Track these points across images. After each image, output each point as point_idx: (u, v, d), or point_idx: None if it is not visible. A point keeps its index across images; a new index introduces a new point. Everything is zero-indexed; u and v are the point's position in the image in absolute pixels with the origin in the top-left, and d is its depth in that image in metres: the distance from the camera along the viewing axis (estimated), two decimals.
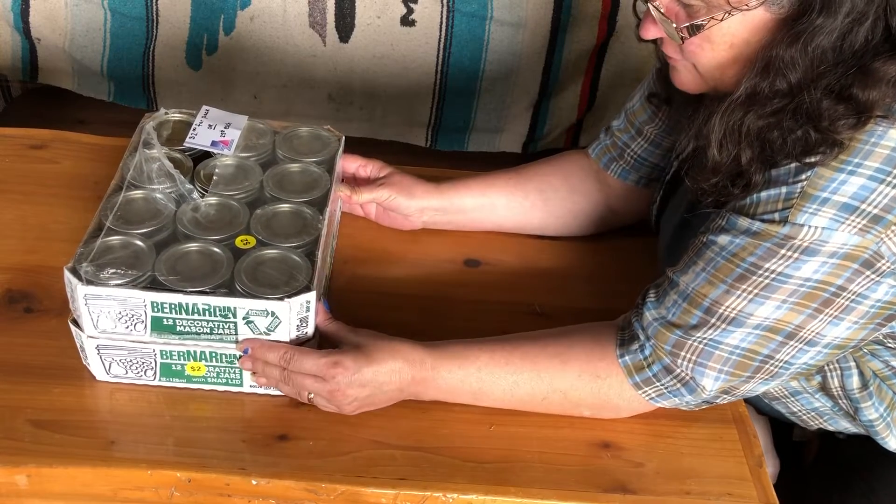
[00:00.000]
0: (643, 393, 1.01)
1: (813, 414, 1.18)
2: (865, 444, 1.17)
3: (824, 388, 1.13)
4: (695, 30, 0.93)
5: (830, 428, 1.19)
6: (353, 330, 1.03)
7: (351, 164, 1.25)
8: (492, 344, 1.04)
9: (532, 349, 1.03)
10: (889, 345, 1.05)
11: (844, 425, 1.18)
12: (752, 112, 0.92)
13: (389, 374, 1.00)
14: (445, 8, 1.84)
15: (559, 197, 1.27)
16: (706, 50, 0.95)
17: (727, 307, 0.93)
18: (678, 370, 0.98)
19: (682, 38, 0.94)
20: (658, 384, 1.00)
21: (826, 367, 1.10)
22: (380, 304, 1.17)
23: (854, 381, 1.10)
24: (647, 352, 0.99)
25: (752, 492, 0.99)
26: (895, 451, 1.14)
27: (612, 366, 1.01)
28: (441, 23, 1.86)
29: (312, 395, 1.00)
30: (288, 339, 0.99)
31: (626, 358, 1.01)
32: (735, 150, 0.94)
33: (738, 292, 0.93)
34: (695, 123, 1.00)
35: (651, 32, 0.98)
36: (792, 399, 1.17)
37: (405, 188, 1.24)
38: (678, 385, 0.99)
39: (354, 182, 1.26)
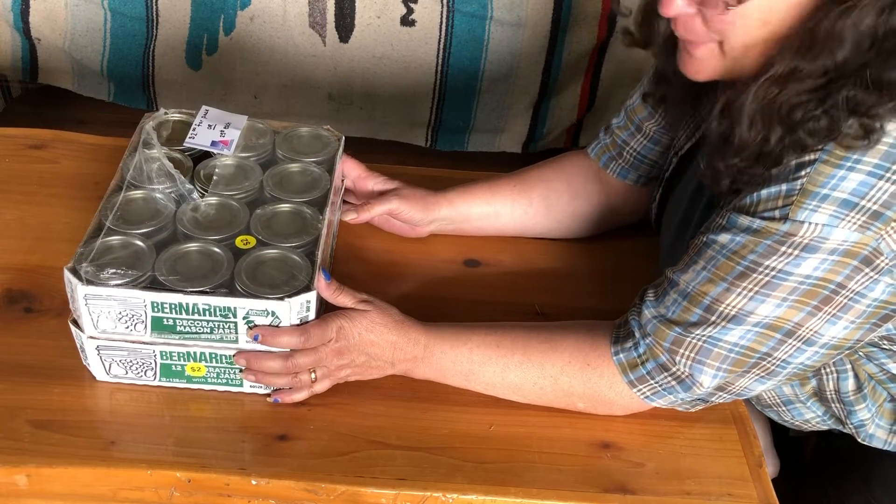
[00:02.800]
0: (638, 391, 1.01)
1: (802, 421, 1.18)
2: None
3: (818, 393, 1.13)
4: None
5: (823, 429, 1.20)
6: (358, 300, 1.03)
7: (352, 171, 1.24)
8: (486, 328, 1.06)
9: (524, 335, 1.05)
10: (885, 347, 1.05)
11: (835, 427, 1.18)
12: (787, 90, 0.89)
13: (385, 346, 1.02)
14: (445, 8, 1.84)
15: (562, 202, 1.27)
16: (738, 26, 0.90)
17: (727, 305, 0.94)
18: (675, 367, 0.98)
19: (727, 6, 0.89)
20: (652, 382, 1.00)
21: (822, 370, 1.10)
22: None
23: (849, 384, 1.10)
24: (640, 349, 1.00)
25: (752, 492, 0.99)
26: (881, 444, 1.14)
27: (604, 358, 1.02)
28: (441, 23, 1.86)
29: (315, 376, 1.01)
30: None
31: (621, 355, 1.01)
32: (765, 130, 0.91)
33: (739, 290, 0.93)
34: (719, 102, 0.95)
35: (675, 8, 0.93)
36: (784, 409, 1.17)
37: (418, 201, 1.23)
38: (673, 382, 0.99)
39: (360, 195, 1.26)
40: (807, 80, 0.88)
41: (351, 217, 1.20)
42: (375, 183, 1.25)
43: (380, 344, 1.02)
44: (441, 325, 1.06)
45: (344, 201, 1.26)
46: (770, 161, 0.91)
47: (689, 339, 0.96)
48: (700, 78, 0.98)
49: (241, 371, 1.02)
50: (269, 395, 1.03)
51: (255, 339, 0.98)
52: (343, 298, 1.02)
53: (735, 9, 0.89)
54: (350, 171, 1.24)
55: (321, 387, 1.03)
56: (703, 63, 0.96)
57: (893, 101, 0.86)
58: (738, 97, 0.92)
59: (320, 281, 1.00)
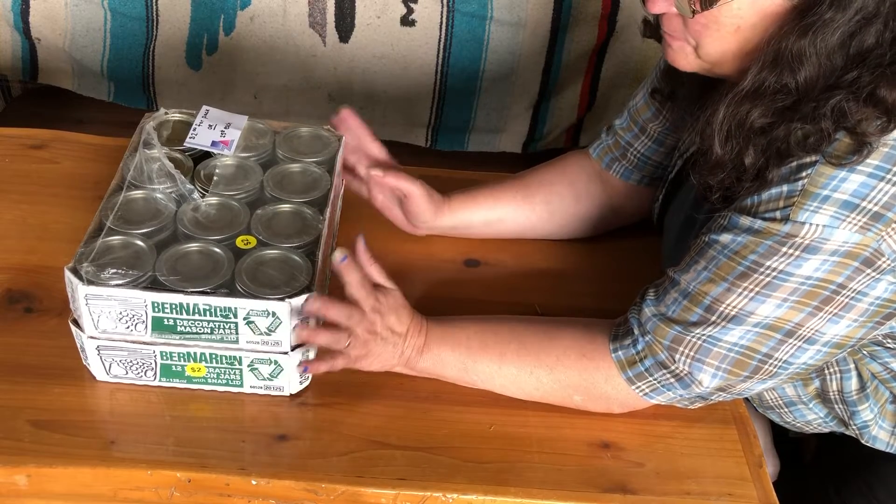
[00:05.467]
0: (636, 388, 1.01)
1: (804, 422, 1.18)
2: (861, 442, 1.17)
3: (821, 394, 1.13)
4: (707, 3, 0.91)
5: (824, 431, 1.20)
6: (386, 277, 1.04)
7: (378, 152, 1.23)
8: (483, 319, 1.07)
9: (521, 326, 1.06)
10: (888, 345, 1.05)
11: (837, 429, 1.18)
12: (757, 107, 0.91)
13: (402, 329, 1.02)
14: (445, 8, 1.84)
15: (565, 205, 1.27)
16: (712, 31, 0.93)
17: (728, 305, 0.94)
18: (674, 365, 0.98)
19: (693, 12, 0.92)
20: (651, 378, 1.00)
21: (825, 370, 1.10)
22: None
23: (853, 384, 1.10)
24: (639, 346, 1.00)
25: (752, 492, 0.99)
26: (883, 446, 1.14)
27: (601, 351, 1.02)
28: (441, 23, 1.86)
29: (349, 342, 1.00)
30: (289, 340, 0.99)
31: (620, 353, 1.01)
32: (738, 147, 0.93)
33: (739, 290, 0.93)
34: (700, 119, 0.99)
35: (659, 5, 0.96)
36: (786, 410, 1.17)
37: (432, 202, 1.22)
38: (672, 380, 0.99)
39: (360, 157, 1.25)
40: (775, 97, 0.91)
41: (377, 173, 1.19)
42: (378, 149, 1.23)
43: (401, 323, 1.02)
44: (439, 318, 1.06)
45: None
46: (752, 175, 0.93)
47: (688, 337, 0.96)
48: (681, 68, 1.02)
49: (241, 371, 1.02)
50: (303, 365, 1.02)
51: (343, 259, 0.98)
52: (373, 270, 1.02)
53: (707, 13, 0.92)
54: (375, 152, 1.22)
55: (342, 362, 1.02)
56: (678, 55, 1.00)
57: (882, 118, 0.87)
58: (713, 115, 0.95)
59: (339, 261, 1.00)
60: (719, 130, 0.94)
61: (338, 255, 1.00)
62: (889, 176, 0.87)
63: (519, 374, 1.04)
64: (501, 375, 1.04)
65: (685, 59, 1.00)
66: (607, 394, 1.03)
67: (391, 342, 1.02)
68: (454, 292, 1.21)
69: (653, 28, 1.11)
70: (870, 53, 0.87)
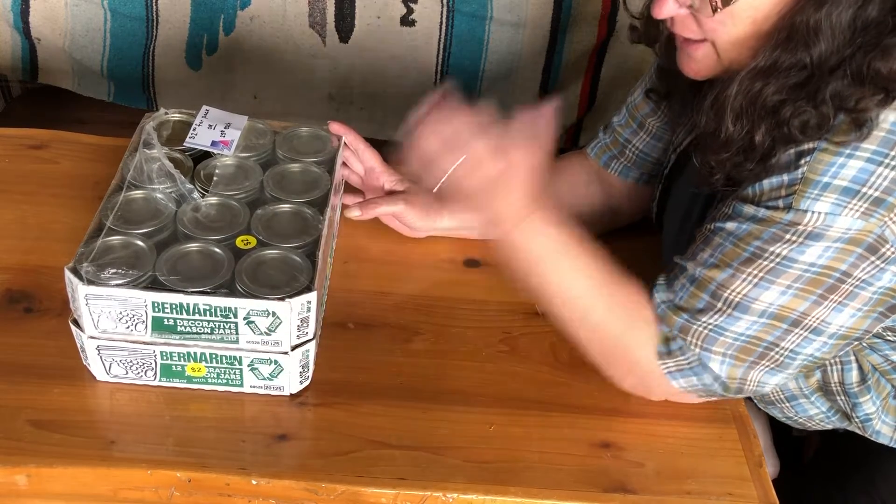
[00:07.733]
0: (664, 365, 0.99)
1: (807, 417, 1.18)
2: (864, 438, 1.17)
3: (823, 386, 1.13)
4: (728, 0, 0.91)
5: (828, 427, 1.20)
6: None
7: (369, 160, 1.23)
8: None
9: (611, 261, 1.01)
10: (889, 338, 1.06)
11: (840, 425, 1.18)
12: (770, 84, 0.91)
13: (519, 200, 0.98)
14: (445, 8, 1.84)
15: (563, 206, 1.27)
16: (728, 26, 0.93)
17: (733, 291, 0.94)
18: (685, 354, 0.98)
19: (714, 9, 0.92)
20: (680, 358, 0.99)
21: (827, 362, 1.10)
22: (380, 304, 1.17)
23: (853, 376, 1.10)
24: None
25: (752, 492, 0.99)
26: (887, 441, 1.14)
27: (644, 310, 0.99)
28: (441, 23, 1.86)
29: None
30: (289, 340, 0.99)
31: (662, 326, 1.00)
32: (749, 124, 0.93)
33: (744, 276, 0.93)
34: (709, 97, 0.98)
35: (668, 9, 0.95)
36: (788, 405, 1.17)
37: (423, 208, 1.22)
38: (695, 363, 0.98)
39: (368, 187, 1.25)
40: (789, 73, 0.91)
41: (354, 215, 1.20)
42: (388, 181, 1.23)
43: (526, 158, 1.00)
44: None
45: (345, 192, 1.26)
46: (758, 156, 0.93)
47: (695, 326, 0.96)
48: (700, 77, 1.01)
49: (241, 371, 1.02)
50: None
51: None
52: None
53: (719, 12, 0.92)
54: (368, 160, 1.23)
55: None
56: (701, 63, 0.99)
57: (880, 94, 0.87)
58: (724, 91, 0.94)
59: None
60: (731, 107, 0.94)
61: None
62: (887, 160, 0.87)
63: (581, 297, 0.99)
64: (575, 287, 1.00)
65: (707, 67, 0.99)
66: (637, 360, 1.00)
67: (504, 178, 0.97)
68: (454, 292, 1.21)
69: (641, 33, 1.11)
70: (872, 25, 0.87)
